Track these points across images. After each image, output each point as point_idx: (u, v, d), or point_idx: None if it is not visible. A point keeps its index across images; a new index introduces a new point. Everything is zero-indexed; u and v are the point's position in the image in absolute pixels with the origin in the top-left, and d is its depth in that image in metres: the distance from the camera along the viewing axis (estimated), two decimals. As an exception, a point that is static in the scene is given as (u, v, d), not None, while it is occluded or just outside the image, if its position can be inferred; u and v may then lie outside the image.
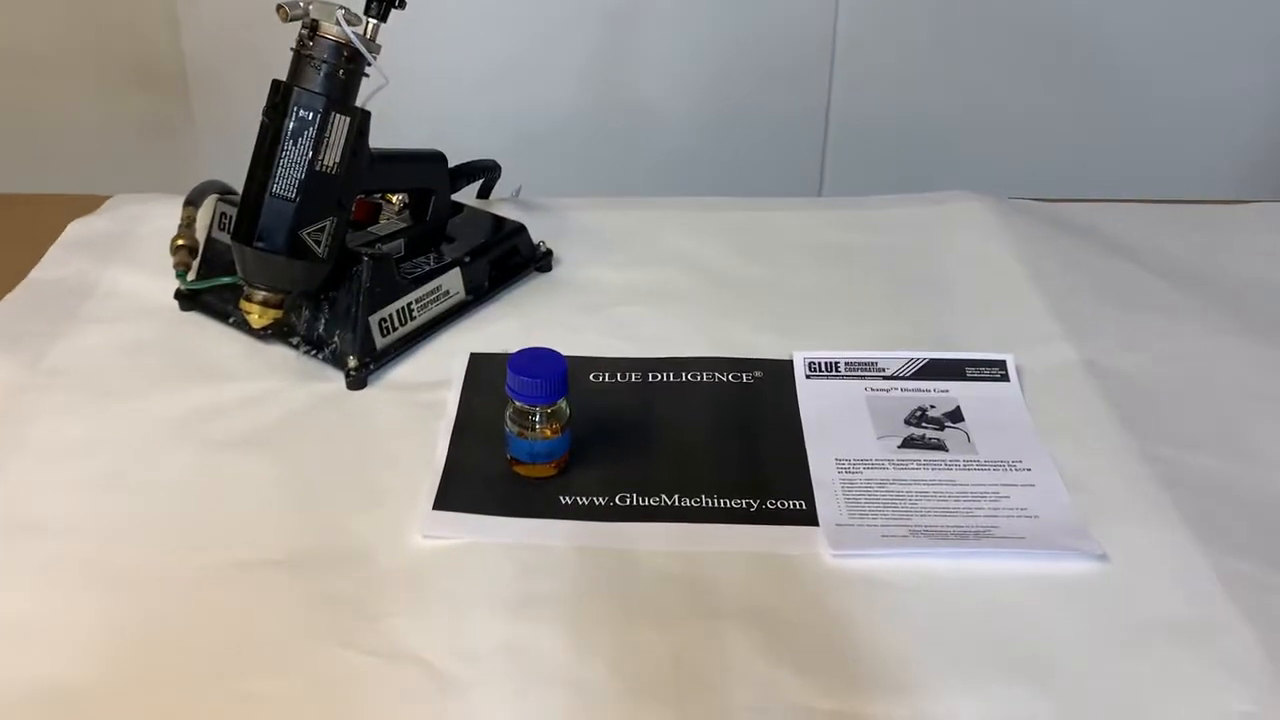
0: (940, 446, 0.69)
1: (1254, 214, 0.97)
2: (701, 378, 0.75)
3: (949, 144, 1.29)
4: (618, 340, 0.79)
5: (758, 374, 0.76)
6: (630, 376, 0.75)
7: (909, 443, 0.69)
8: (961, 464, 0.67)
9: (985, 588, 0.59)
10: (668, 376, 0.75)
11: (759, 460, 0.68)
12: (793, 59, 1.27)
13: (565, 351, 0.66)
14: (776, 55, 1.27)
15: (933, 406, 0.72)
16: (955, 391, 0.73)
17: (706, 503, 0.64)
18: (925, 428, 0.70)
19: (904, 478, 0.66)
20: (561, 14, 1.25)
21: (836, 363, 0.76)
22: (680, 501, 0.65)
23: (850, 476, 0.66)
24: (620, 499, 0.65)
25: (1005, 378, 0.74)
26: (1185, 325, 0.81)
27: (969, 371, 0.75)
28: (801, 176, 1.33)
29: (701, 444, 0.69)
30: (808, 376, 0.75)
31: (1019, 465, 0.67)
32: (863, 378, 0.75)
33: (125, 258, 0.88)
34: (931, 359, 0.75)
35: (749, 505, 0.64)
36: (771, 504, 0.64)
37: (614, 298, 0.85)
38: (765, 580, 0.60)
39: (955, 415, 0.71)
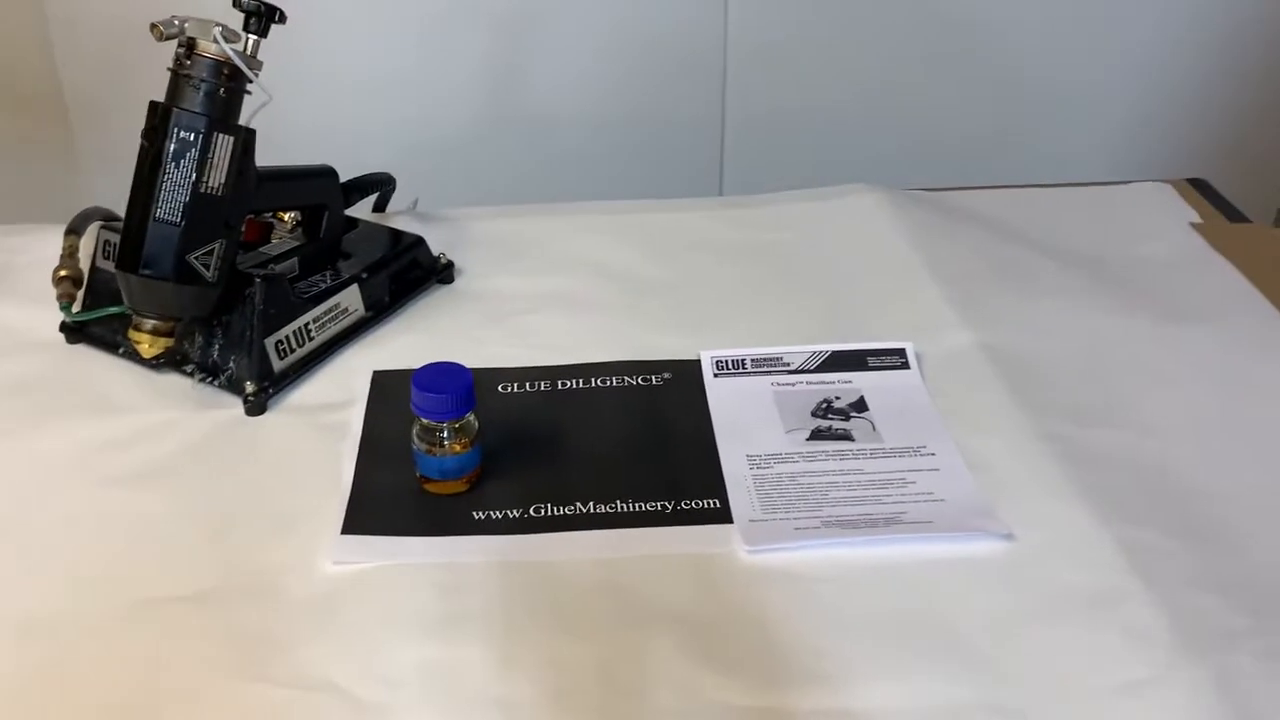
0: (847, 437, 0.70)
1: (1134, 194, 1.00)
2: (611, 382, 0.75)
3: (843, 138, 1.32)
4: (524, 349, 0.78)
5: (666, 375, 0.76)
6: (539, 385, 0.75)
7: (817, 435, 0.70)
8: (869, 453, 0.68)
9: (898, 573, 0.60)
10: (577, 383, 0.75)
11: (672, 461, 0.68)
12: (685, 61, 1.28)
13: (471, 363, 0.65)
14: (669, 58, 1.27)
15: (838, 398, 0.73)
16: (858, 382, 0.74)
17: (622, 508, 0.64)
18: (831, 419, 0.71)
19: (814, 470, 0.67)
20: (451, 23, 1.24)
21: (743, 360, 0.76)
22: (596, 508, 0.64)
23: (762, 472, 0.67)
24: (535, 510, 0.64)
25: (905, 365, 0.76)
26: (1076, 305, 0.83)
27: (870, 361, 0.76)
28: (702, 177, 1.34)
29: (614, 449, 0.69)
30: (716, 375, 0.75)
31: (923, 450, 0.69)
32: (769, 373, 0.75)
33: (5, 291, 0.84)
34: (834, 351, 0.76)
35: (664, 507, 0.64)
36: (686, 504, 0.65)
37: (518, 306, 0.84)
38: (684, 581, 0.60)
39: (860, 405, 0.72)
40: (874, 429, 0.70)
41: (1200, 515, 0.64)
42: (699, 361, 0.76)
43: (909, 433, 0.70)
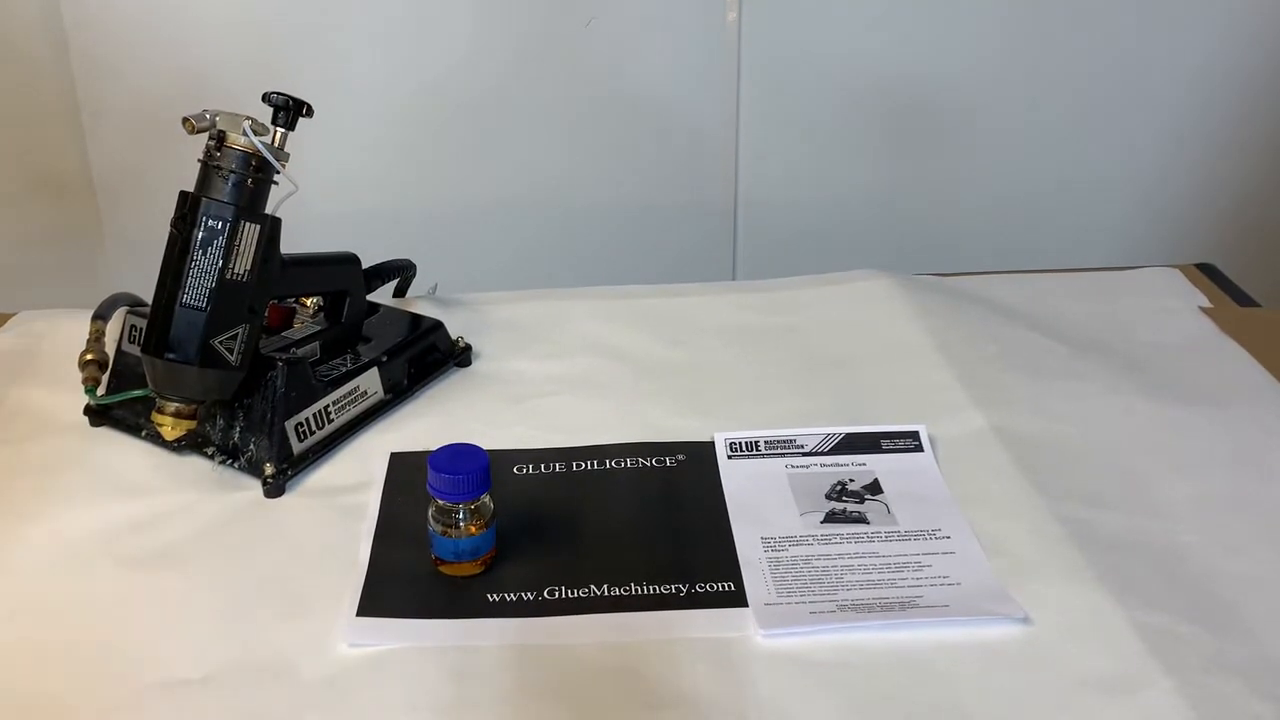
0: (861, 519, 0.70)
1: (1143, 279, 1.01)
2: (625, 464, 0.76)
3: (854, 225, 1.34)
4: (540, 431, 0.79)
5: (680, 457, 0.76)
6: (554, 467, 0.76)
7: (831, 517, 0.70)
8: (883, 536, 0.68)
9: (914, 657, 0.60)
10: (591, 465, 0.76)
11: (686, 544, 0.68)
12: (700, 151, 1.31)
13: (487, 445, 0.66)
14: (684, 148, 1.30)
15: (852, 480, 0.73)
16: (872, 464, 0.75)
17: (636, 590, 0.64)
18: (846, 501, 0.72)
19: (829, 552, 0.67)
20: (473, 113, 1.28)
21: (756, 442, 0.77)
22: (609, 591, 0.64)
23: (776, 554, 0.67)
24: (549, 593, 0.64)
25: (919, 448, 0.76)
26: (1086, 388, 0.84)
27: (884, 444, 0.76)
28: (716, 264, 1.36)
29: (628, 531, 0.70)
30: (729, 457, 0.76)
31: (938, 534, 0.69)
32: (783, 455, 0.76)
33: (32, 375, 0.86)
34: (847, 433, 0.77)
35: (678, 590, 0.64)
36: (701, 587, 0.65)
37: (534, 389, 0.85)
38: (698, 665, 0.59)
39: (874, 487, 0.73)
40: (889, 512, 0.71)
41: (1216, 598, 0.63)
42: (713, 443, 0.77)
43: (924, 516, 0.70)
